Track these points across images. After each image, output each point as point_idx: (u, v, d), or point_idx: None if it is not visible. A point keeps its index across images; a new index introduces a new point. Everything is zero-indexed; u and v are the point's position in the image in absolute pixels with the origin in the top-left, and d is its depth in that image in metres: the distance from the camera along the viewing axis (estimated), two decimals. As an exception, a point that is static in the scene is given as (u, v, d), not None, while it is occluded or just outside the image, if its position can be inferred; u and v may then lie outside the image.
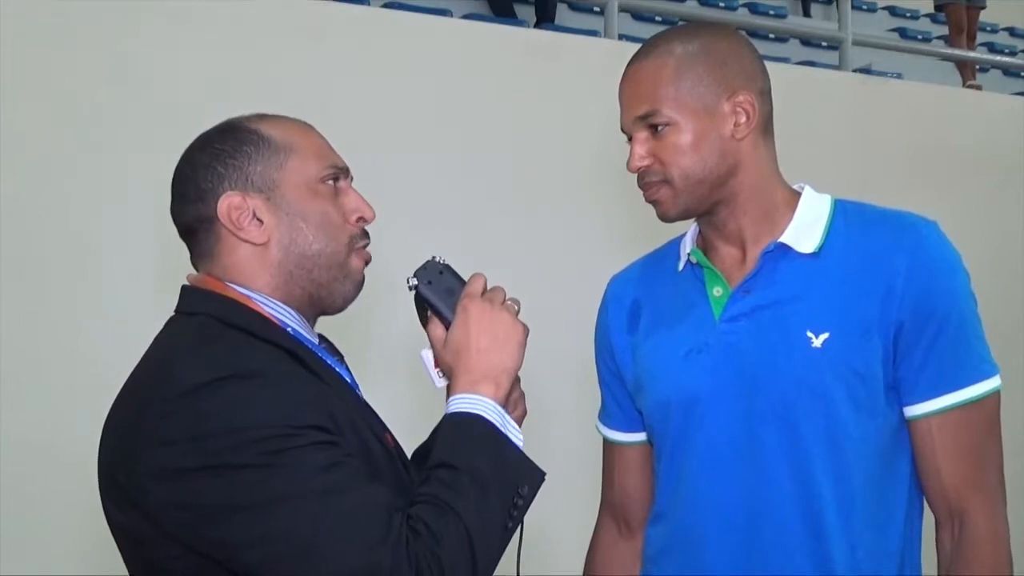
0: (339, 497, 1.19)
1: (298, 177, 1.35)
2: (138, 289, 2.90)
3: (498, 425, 1.30)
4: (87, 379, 2.87)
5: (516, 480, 1.29)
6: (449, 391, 1.37)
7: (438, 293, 1.39)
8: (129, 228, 3.00)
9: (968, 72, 6.90)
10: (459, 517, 1.22)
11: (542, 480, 1.32)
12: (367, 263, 1.40)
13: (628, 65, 1.52)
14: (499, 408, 1.32)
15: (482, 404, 1.31)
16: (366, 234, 1.40)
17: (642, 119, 1.48)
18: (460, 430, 1.30)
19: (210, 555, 1.22)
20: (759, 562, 1.47)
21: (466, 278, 1.41)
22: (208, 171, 1.34)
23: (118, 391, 1.33)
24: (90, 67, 3.03)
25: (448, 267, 1.41)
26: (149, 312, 1.47)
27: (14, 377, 2.84)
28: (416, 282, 1.40)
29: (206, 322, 1.30)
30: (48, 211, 2.95)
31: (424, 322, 1.42)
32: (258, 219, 1.33)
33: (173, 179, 1.38)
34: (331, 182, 1.37)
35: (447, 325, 1.38)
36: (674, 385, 1.53)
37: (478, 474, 1.25)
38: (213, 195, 1.33)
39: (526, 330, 1.38)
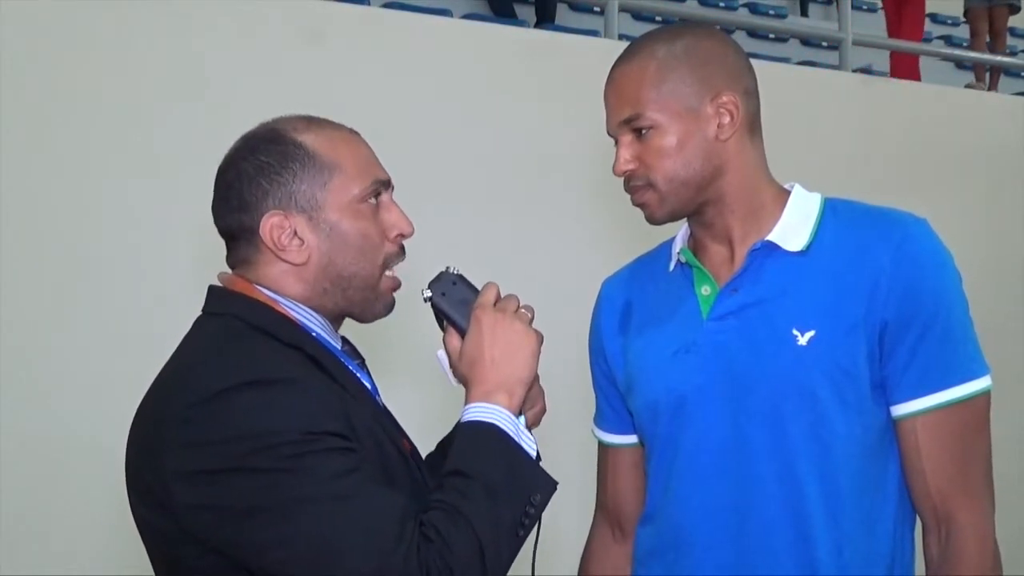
0: (354, 502, 1.21)
1: (342, 197, 1.36)
2: (148, 289, 2.91)
3: (511, 434, 1.32)
4: (89, 379, 2.87)
5: (528, 488, 1.30)
6: (466, 397, 1.38)
7: (452, 304, 1.41)
8: (129, 229, 3.00)
9: (981, 75, 6.86)
10: (470, 524, 1.23)
11: (554, 489, 1.33)
12: (396, 288, 1.42)
13: (612, 69, 1.52)
14: (513, 417, 1.33)
15: (496, 413, 1.33)
16: (403, 250, 1.41)
17: (626, 123, 1.48)
18: (474, 439, 1.32)
19: (230, 555, 1.24)
20: (746, 562, 1.47)
21: (479, 287, 1.42)
22: (253, 184, 1.35)
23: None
24: (91, 67, 3.03)
25: (462, 277, 1.43)
26: (178, 310, 1.48)
27: (20, 377, 2.84)
28: (430, 294, 1.42)
29: (231, 323, 1.32)
30: (56, 212, 2.95)
31: (444, 330, 1.44)
32: (299, 238, 1.35)
33: (217, 180, 1.39)
34: (373, 199, 1.38)
35: (462, 335, 1.40)
36: (662, 384, 1.53)
37: (490, 482, 1.27)
38: (257, 209, 1.34)
39: (540, 338, 1.39)
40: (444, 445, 1.54)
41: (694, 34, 1.53)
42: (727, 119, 1.48)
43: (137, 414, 1.33)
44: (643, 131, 1.47)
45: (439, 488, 1.28)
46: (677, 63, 1.47)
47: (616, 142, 1.51)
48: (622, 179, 1.52)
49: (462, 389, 1.41)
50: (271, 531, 1.21)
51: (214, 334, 1.33)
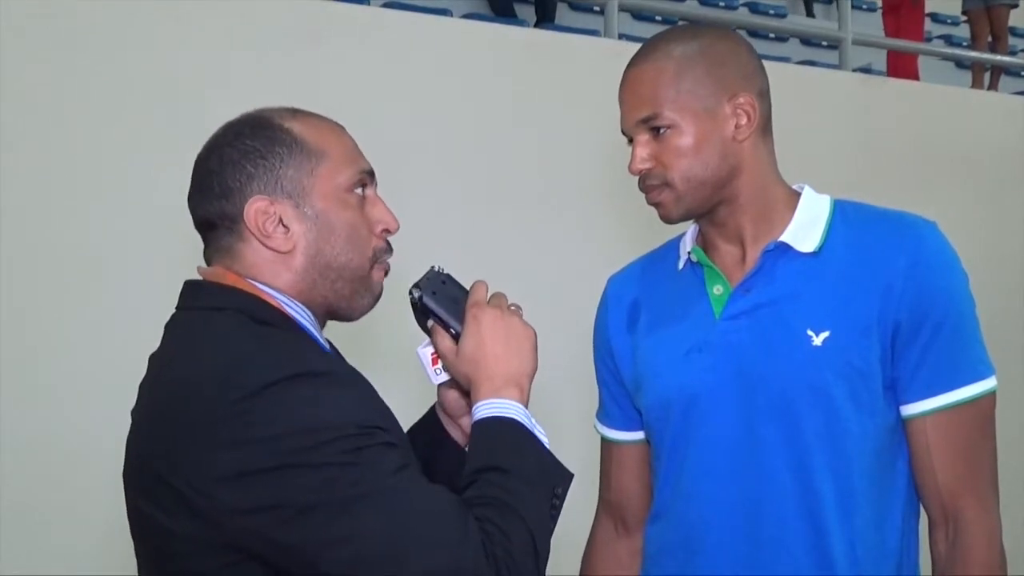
0: (415, 496, 1.19)
1: (328, 185, 1.32)
2: (148, 288, 2.90)
3: (529, 428, 1.31)
4: (88, 379, 2.87)
5: (553, 479, 1.29)
6: (472, 396, 1.36)
7: (442, 303, 1.38)
8: (133, 228, 3.00)
9: (980, 78, 6.85)
10: (521, 516, 1.22)
11: (571, 479, 1.32)
12: (386, 275, 1.39)
13: (627, 68, 1.52)
14: (525, 410, 1.32)
15: (511, 408, 1.31)
16: (390, 247, 1.38)
17: (644, 122, 1.48)
18: (498, 434, 1.29)
19: (275, 562, 1.19)
20: (760, 560, 1.48)
21: (466, 286, 1.40)
22: (237, 169, 1.30)
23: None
24: (87, 68, 3.03)
25: (450, 277, 1.40)
26: (161, 311, 1.46)
27: (20, 376, 2.84)
28: (419, 293, 1.38)
29: (238, 318, 1.27)
30: (49, 211, 2.95)
31: (425, 329, 1.41)
32: (284, 226, 1.30)
33: (195, 169, 1.34)
34: (359, 190, 1.35)
35: (453, 335, 1.37)
36: (675, 383, 1.53)
37: (526, 475, 1.26)
38: (240, 195, 1.30)
39: (535, 333, 1.38)
40: (414, 432, 1.49)
41: (710, 35, 1.53)
42: (744, 120, 1.48)
43: (146, 418, 1.27)
44: (660, 130, 1.47)
45: (475, 485, 1.25)
46: (695, 63, 1.48)
47: (630, 141, 1.51)
48: (632, 178, 1.52)
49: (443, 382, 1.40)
50: (333, 529, 1.15)
51: (229, 329, 1.26)
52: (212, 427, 1.18)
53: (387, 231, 1.37)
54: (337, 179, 1.33)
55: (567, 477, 1.31)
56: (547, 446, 1.32)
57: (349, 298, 1.35)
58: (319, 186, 1.32)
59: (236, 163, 1.31)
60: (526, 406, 1.33)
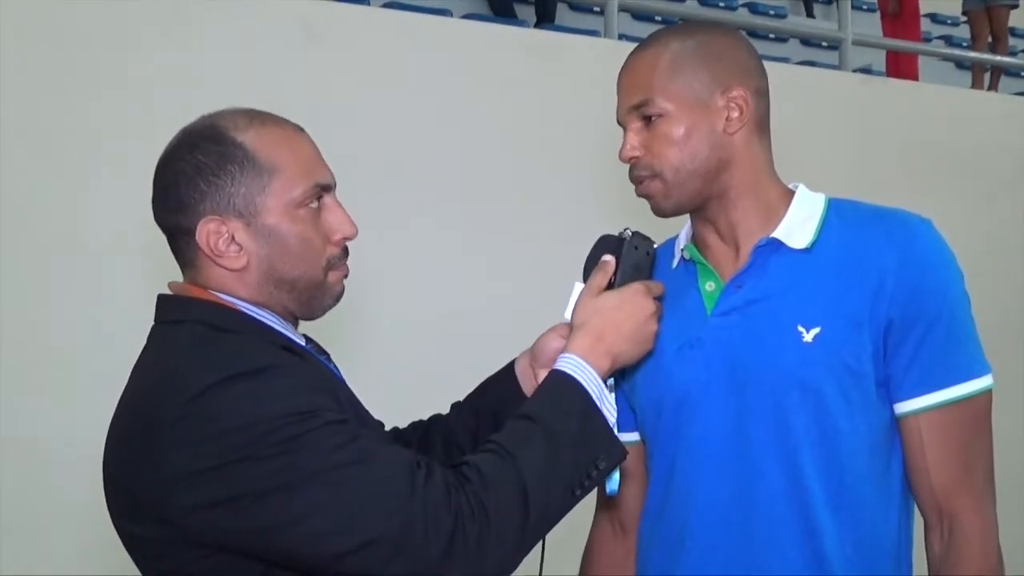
0: (363, 466, 1.21)
1: (281, 201, 1.32)
2: (148, 288, 2.90)
3: (594, 397, 1.33)
4: (87, 379, 2.87)
5: (595, 451, 1.31)
6: (568, 341, 1.40)
7: (631, 259, 1.47)
8: (129, 227, 3.00)
9: (980, 79, 6.85)
10: (518, 467, 1.23)
11: (622, 458, 1.34)
12: (345, 276, 1.40)
13: (628, 57, 1.54)
14: (601, 383, 1.35)
15: (585, 372, 1.34)
16: (346, 252, 1.39)
17: (636, 108, 1.49)
18: (555, 389, 1.33)
19: (240, 549, 1.22)
20: (751, 558, 1.47)
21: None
22: (190, 185, 1.31)
23: (118, 397, 1.33)
24: (89, 66, 3.03)
25: (652, 259, 1.50)
26: (148, 312, 1.47)
27: (13, 377, 2.84)
28: (629, 234, 1.48)
29: (196, 329, 1.30)
30: (46, 209, 2.95)
31: (590, 266, 1.48)
32: (237, 243, 1.32)
33: (155, 177, 1.36)
34: (314, 203, 1.35)
35: (610, 283, 1.44)
36: (667, 380, 1.53)
37: (554, 433, 1.27)
38: (194, 211, 1.32)
39: (653, 348, 1.45)
40: (486, 385, 1.56)
41: (710, 31, 1.54)
42: (736, 113, 1.48)
43: (113, 430, 1.31)
44: (651, 118, 1.48)
45: (500, 429, 1.29)
46: (691, 55, 1.48)
47: (625, 130, 1.52)
48: (626, 173, 1.52)
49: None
50: (285, 513, 1.19)
51: (183, 340, 1.29)
52: (160, 433, 1.21)
53: (345, 238, 1.38)
54: (291, 194, 1.33)
55: (616, 450, 1.33)
56: (608, 421, 1.33)
57: (307, 303, 1.37)
58: (271, 203, 1.32)
59: (190, 178, 1.32)
60: (605, 380, 1.36)
